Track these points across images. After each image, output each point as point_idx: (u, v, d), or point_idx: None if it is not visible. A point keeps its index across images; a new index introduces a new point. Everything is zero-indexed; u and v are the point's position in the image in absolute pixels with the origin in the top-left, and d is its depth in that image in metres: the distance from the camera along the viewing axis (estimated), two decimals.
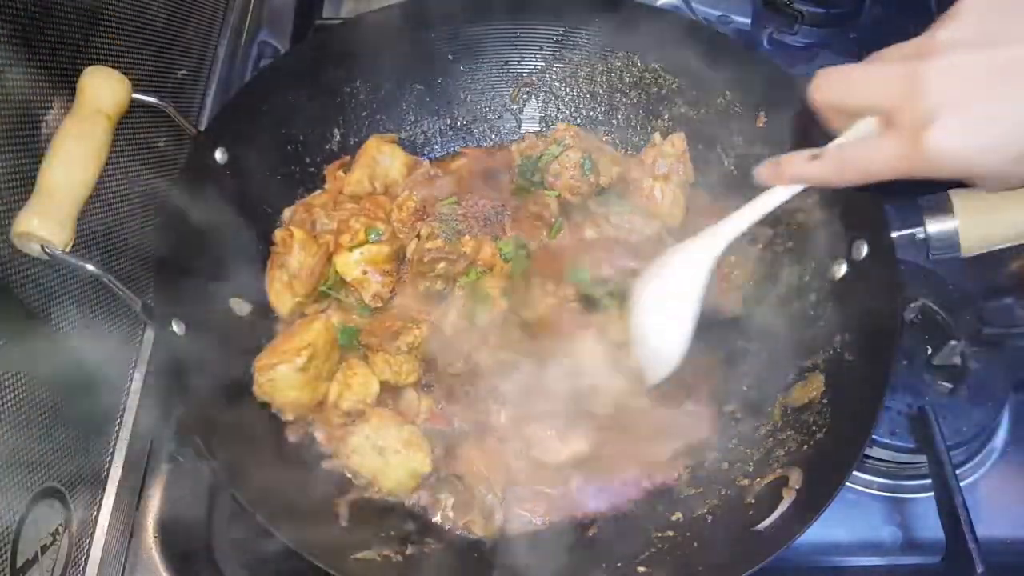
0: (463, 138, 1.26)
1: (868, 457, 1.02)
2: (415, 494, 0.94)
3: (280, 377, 0.92)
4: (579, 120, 1.25)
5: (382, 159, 1.14)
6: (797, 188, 0.71)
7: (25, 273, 0.83)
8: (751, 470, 0.90)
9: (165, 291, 0.88)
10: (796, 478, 0.83)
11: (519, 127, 1.27)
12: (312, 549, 0.75)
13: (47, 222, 0.78)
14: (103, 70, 0.89)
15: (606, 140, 1.23)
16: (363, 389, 0.97)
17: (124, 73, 0.90)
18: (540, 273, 1.06)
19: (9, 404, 0.78)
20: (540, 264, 1.07)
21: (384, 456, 0.91)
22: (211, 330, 0.93)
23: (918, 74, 0.57)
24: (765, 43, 1.47)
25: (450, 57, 1.20)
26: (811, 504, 0.78)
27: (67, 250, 0.79)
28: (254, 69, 1.38)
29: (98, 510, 0.94)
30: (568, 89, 1.24)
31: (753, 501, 0.86)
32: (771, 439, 0.92)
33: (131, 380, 1.03)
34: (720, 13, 1.48)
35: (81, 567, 0.90)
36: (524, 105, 1.26)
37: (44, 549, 0.82)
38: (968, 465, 1.04)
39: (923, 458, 0.99)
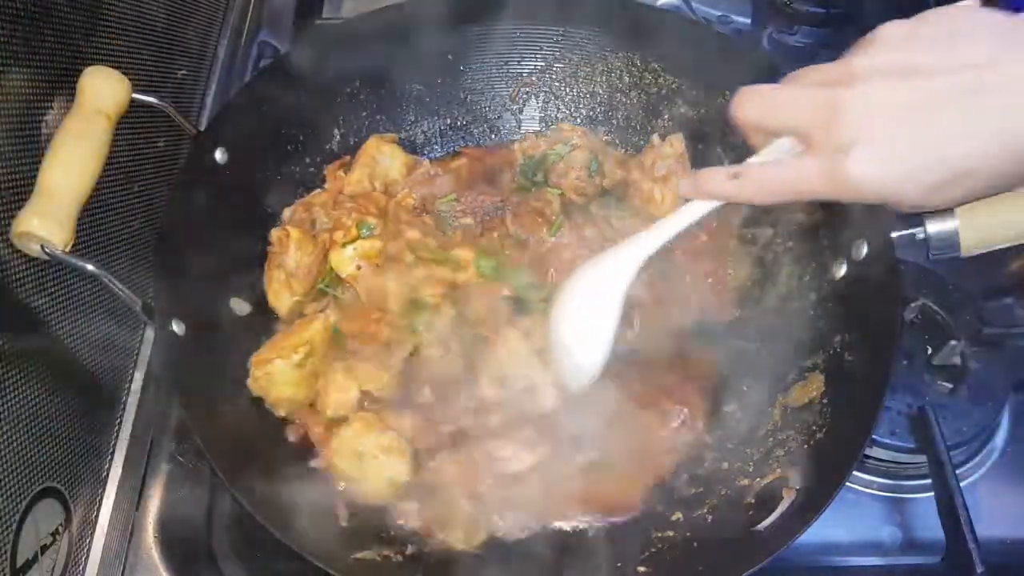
0: (463, 138, 1.26)
1: (868, 457, 1.02)
2: (401, 504, 0.91)
3: (276, 372, 0.92)
4: (579, 120, 1.25)
5: (382, 159, 1.14)
6: (717, 203, 0.72)
7: (25, 273, 0.83)
8: (751, 470, 0.90)
9: (165, 291, 0.88)
10: (796, 478, 0.83)
11: (519, 127, 1.26)
12: (312, 549, 0.75)
13: (47, 222, 0.78)
14: (103, 70, 0.89)
15: (606, 140, 1.23)
16: (342, 397, 0.95)
17: (124, 73, 0.90)
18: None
19: (9, 404, 0.78)
20: (535, 261, 1.07)
21: (363, 461, 0.90)
22: (211, 330, 0.93)
23: (837, 102, 0.59)
24: (765, 43, 1.47)
25: (450, 57, 1.20)
26: (811, 504, 0.78)
27: (67, 250, 0.79)
28: (254, 69, 1.38)
29: (98, 510, 0.94)
30: (568, 89, 1.24)
31: (753, 501, 0.86)
32: (771, 439, 0.92)
33: (131, 380, 1.03)
34: (720, 13, 1.48)
35: (81, 567, 0.90)
36: (524, 105, 1.26)
37: (44, 549, 0.82)
38: (968, 465, 1.04)
39: (923, 458, 0.99)
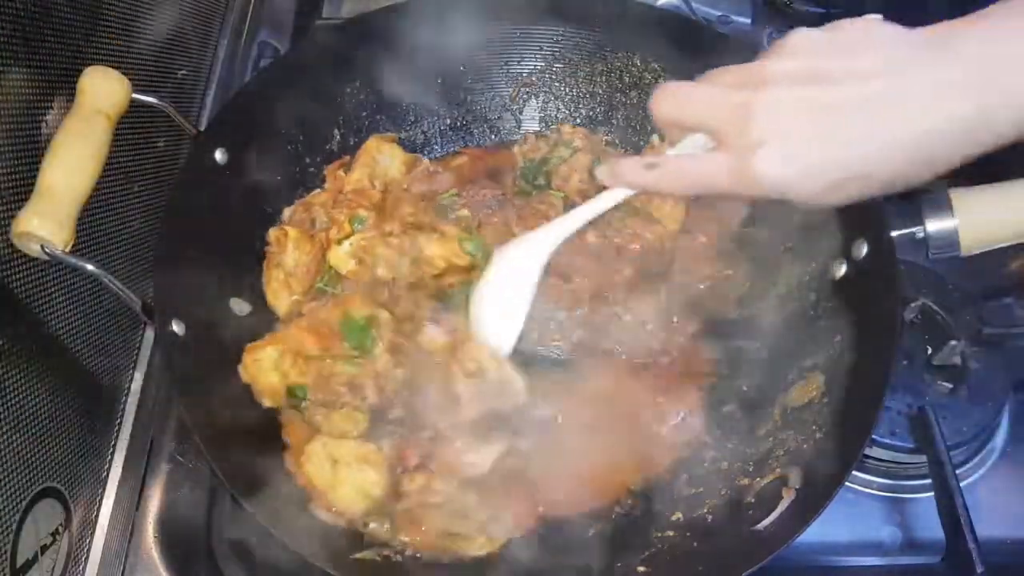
0: (463, 138, 1.26)
1: (868, 457, 1.02)
2: (372, 525, 0.87)
3: (266, 358, 0.91)
4: (579, 120, 1.25)
5: (382, 159, 1.14)
6: (631, 192, 0.76)
7: (25, 273, 0.83)
8: (751, 470, 0.90)
9: (165, 291, 0.88)
10: (796, 478, 0.83)
11: (519, 127, 1.26)
12: (312, 549, 0.75)
13: (47, 222, 0.78)
14: (103, 70, 0.89)
15: (606, 140, 1.23)
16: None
17: (124, 73, 0.90)
18: None
19: (9, 404, 0.78)
20: None
21: (336, 468, 0.87)
22: (211, 330, 0.93)
23: (748, 104, 0.63)
24: (765, 43, 1.46)
25: (450, 57, 1.20)
26: (811, 504, 0.78)
27: (67, 250, 0.79)
28: (254, 69, 1.38)
29: (98, 510, 0.94)
30: (568, 89, 1.24)
31: (753, 501, 0.86)
32: (771, 439, 0.92)
33: (131, 380, 1.03)
34: (720, 13, 1.47)
35: (81, 567, 0.90)
36: (524, 105, 1.26)
37: (44, 549, 0.82)
38: (968, 465, 1.04)
39: (923, 458, 0.99)
